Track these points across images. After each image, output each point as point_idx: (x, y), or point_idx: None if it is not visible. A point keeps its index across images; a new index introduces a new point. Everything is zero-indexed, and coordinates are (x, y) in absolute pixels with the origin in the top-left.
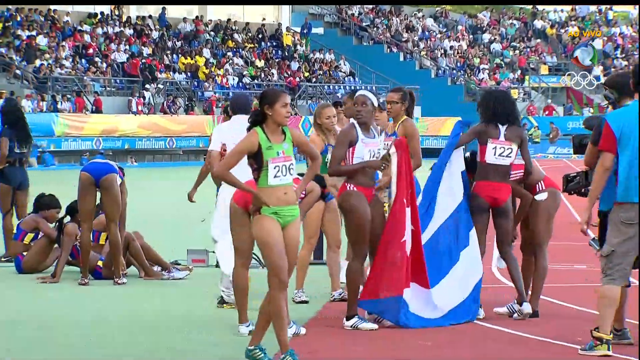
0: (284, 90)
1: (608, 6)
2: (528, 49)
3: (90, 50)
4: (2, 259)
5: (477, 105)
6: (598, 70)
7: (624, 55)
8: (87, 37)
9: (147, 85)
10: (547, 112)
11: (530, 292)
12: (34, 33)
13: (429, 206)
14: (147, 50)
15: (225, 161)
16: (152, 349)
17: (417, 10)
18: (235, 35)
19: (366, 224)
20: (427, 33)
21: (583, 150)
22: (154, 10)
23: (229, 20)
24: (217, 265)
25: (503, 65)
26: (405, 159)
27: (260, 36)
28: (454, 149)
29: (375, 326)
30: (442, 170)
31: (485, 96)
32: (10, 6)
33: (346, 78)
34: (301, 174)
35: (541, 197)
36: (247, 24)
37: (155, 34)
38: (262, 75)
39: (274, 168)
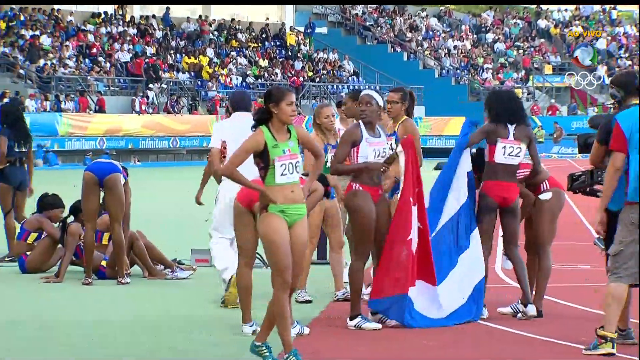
0: (290, 89)
1: (612, 6)
2: (532, 49)
3: (94, 50)
4: (6, 259)
5: (484, 105)
6: (602, 70)
7: (628, 54)
8: (90, 37)
9: (150, 85)
10: (550, 112)
11: (534, 292)
12: (37, 33)
13: (438, 206)
14: (150, 50)
15: (232, 160)
16: (154, 348)
17: (420, 9)
18: (239, 35)
19: (371, 224)
20: (430, 33)
21: (588, 150)
22: (157, 9)
23: (232, 19)
24: None
25: (507, 65)
26: (412, 157)
27: (263, 36)
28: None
29: (379, 326)
30: (453, 170)
31: (492, 96)
32: (14, 6)
33: (350, 78)
34: (305, 174)
35: (545, 196)
36: (251, 23)
37: (158, 34)
38: (266, 75)
39: (281, 166)
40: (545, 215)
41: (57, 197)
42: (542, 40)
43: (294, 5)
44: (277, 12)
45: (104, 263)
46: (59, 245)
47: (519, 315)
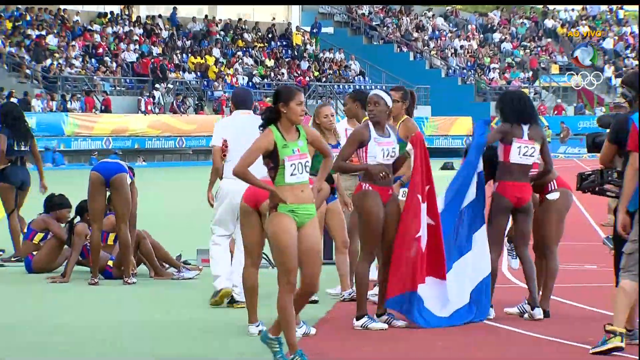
0: (299, 88)
1: (619, 5)
2: (539, 49)
3: (100, 50)
4: (12, 259)
5: (496, 106)
6: (609, 70)
7: (635, 54)
8: (96, 37)
9: (156, 85)
10: (556, 112)
11: (540, 293)
12: (43, 32)
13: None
14: (156, 50)
15: (243, 160)
16: (159, 349)
17: (427, 9)
18: (245, 35)
19: (378, 225)
20: (437, 32)
21: (596, 149)
22: (163, 9)
23: (239, 19)
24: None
25: (513, 65)
26: (421, 155)
27: (270, 35)
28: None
29: (385, 326)
30: (474, 169)
31: (505, 97)
32: (20, 5)
33: (356, 77)
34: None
35: (553, 196)
36: (257, 23)
37: (165, 34)
38: (272, 75)
39: (291, 166)
40: (553, 215)
41: (64, 197)
42: (549, 40)
43: (300, 5)
44: (283, 12)
45: (110, 263)
46: (66, 246)
47: (526, 315)
